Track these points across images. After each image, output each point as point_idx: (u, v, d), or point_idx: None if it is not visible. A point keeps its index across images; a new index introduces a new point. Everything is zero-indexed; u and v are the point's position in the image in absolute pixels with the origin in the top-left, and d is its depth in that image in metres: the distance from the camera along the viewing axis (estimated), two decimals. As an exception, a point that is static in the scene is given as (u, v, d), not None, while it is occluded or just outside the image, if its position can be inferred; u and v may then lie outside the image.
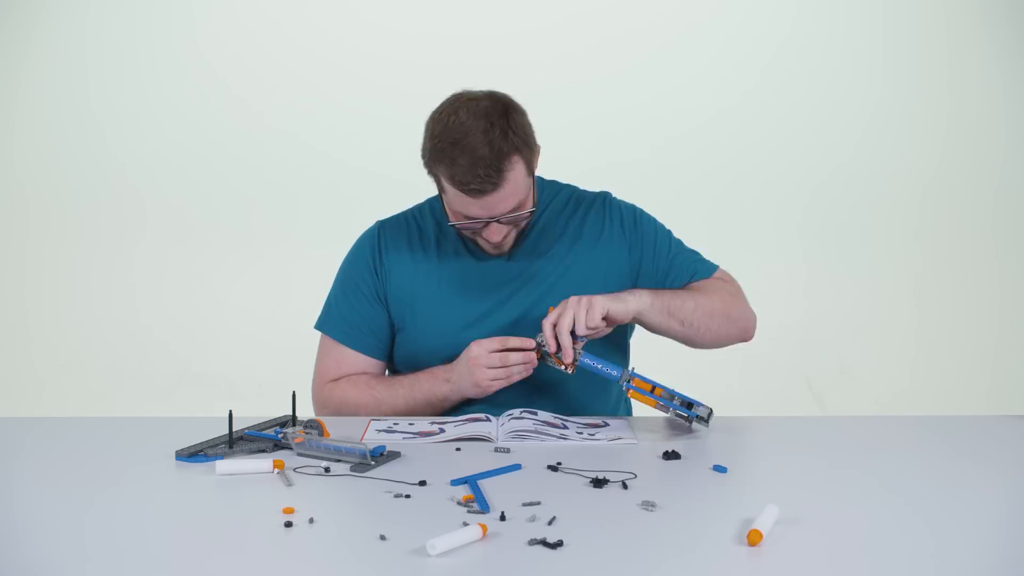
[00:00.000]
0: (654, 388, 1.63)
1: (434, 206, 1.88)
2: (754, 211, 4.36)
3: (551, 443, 1.56)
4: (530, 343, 1.67)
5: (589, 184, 1.97)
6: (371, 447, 1.44)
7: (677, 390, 1.63)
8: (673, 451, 1.47)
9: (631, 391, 1.65)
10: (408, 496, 1.29)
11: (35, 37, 4.22)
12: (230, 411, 1.51)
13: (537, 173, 1.93)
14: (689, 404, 1.61)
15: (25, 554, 1.11)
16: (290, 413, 1.62)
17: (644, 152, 4.26)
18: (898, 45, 4.37)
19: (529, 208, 1.70)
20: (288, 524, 1.17)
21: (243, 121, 4.28)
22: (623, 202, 1.90)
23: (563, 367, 1.67)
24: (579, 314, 1.62)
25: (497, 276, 1.81)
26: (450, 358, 1.77)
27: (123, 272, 4.32)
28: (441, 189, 1.71)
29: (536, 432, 1.59)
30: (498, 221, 1.67)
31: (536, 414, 1.68)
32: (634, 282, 1.84)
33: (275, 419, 1.64)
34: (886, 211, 4.39)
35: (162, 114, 4.30)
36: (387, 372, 1.92)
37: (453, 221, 1.71)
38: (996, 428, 1.69)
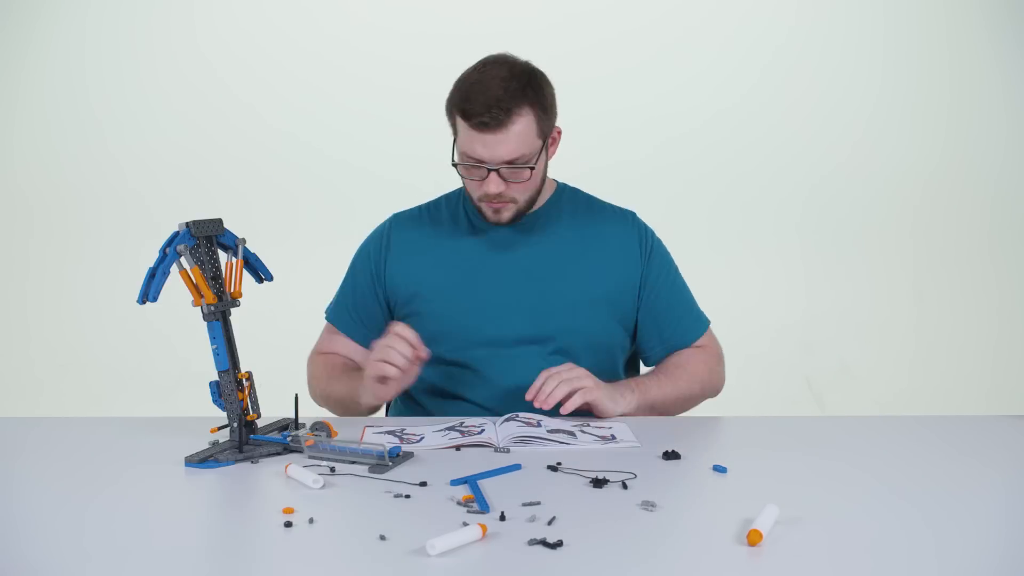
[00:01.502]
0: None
1: (450, 198, 1.94)
2: (754, 211, 4.37)
3: (552, 445, 1.55)
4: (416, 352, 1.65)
5: (589, 185, 1.98)
6: (388, 447, 1.42)
7: None
8: (673, 451, 1.47)
9: None
10: (408, 496, 1.29)
11: (35, 37, 4.22)
12: (241, 415, 1.50)
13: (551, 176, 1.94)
14: None
15: (25, 554, 1.11)
16: (291, 416, 1.62)
17: (644, 152, 4.26)
18: (898, 45, 4.37)
19: (530, 165, 1.73)
20: (288, 524, 1.17)
21: (243, 121, 4.28)
22: (646, 224, 1.94)
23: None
24: (562, 389, 1.63)
25: (506, 264, 1.84)
26: (457, 343, 1.81)
27: (122, 272, 4.30)
28: (455, 131, 1.76)
29: (539, 439, 1.57)
30: (498, 172, 1.71)
31: (539, 425, 1.64)
32: (636, 301, 1.87)
33: (277, 421, 1.64)
34: (885, 211, 4.39)
35: (162, 114, 4.30)
36: None
37: (458, 161, 1.75)
38: (996, 428, 1.69)
